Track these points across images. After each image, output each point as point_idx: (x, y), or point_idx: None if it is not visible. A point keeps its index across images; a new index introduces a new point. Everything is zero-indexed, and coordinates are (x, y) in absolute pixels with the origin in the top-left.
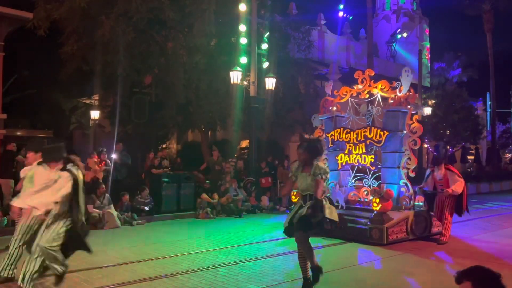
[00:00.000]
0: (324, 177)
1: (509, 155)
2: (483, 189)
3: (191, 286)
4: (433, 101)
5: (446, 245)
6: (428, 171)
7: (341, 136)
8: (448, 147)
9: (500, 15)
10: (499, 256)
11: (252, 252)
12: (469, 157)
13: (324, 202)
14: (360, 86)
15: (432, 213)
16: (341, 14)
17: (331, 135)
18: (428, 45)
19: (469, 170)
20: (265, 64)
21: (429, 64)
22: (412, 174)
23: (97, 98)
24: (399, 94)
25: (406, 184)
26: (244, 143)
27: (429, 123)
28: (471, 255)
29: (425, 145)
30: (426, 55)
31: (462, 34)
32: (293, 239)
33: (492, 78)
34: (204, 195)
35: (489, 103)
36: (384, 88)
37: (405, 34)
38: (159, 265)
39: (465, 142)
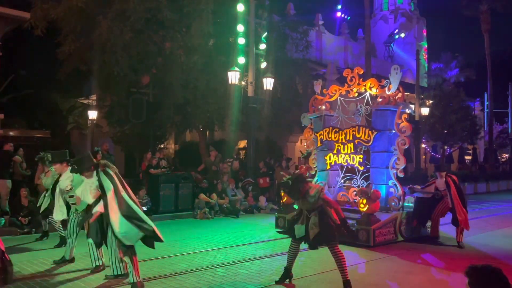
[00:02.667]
0: (321, 196)
1: (506, 155)
2: (480, 189)
3: (189, 286)
4: (431, 101)
5: (442, 245)
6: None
7: (329, 136)
8: (446, 147)
9: (497, 16)
10: (496, 256)
11: (250, 252)
12: (466, 157)
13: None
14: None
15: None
16: (339, 14)
17: (320, 135)
18: (426, 46)
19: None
20: (263, 64)
21: (426, 65)
22: (401, 174)
23: (94, 98)
24: (388, 93)
25: (395, 185)
26: (242, 143)
27: (427, 123)
28: (468, 255)
29: (423, 145)
30: (424, 56)
31: (460, 35)
32: (289, 238)
33: (489, 78)
34: (202, 195)
35: (486, 103)
36: (373, 87)
37: (402, 35)
38: (157, 265)
39: (462, 142)
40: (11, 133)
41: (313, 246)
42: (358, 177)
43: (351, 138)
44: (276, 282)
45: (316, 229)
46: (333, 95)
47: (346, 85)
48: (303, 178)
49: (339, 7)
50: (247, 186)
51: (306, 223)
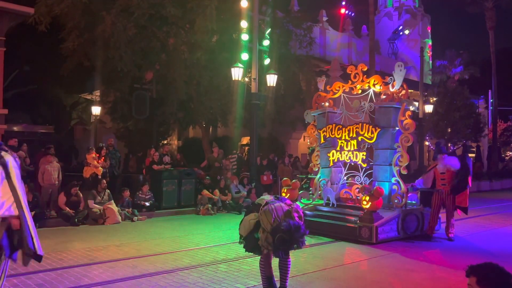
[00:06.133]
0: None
1: (510, 153)
2: (483, 187)
3: (192, 282)
4: (435, 99)
5: (446, 243)
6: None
7: (333, 133)
8: (449, 144)
9: (503, 13)
10: (499, 254)
11: None
12: (470, 154)
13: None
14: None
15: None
16: (342, 11)
17: (323, 132)
18: (430, 43)
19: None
20: (267, 61)
21: (430, 62)
22: (404, 172)
23: (98, 93)
24: (391, 90)
25: (398, 182)
26: (245, 140)
27: (431, 121)
28: (471, 253)
29: (426, 143)
30: (428, 53)
31: (464, 32)
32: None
33: (494, 76)
34: (205, 191)
35: (490, 100)
36: (376, 83)
37: (407, 32)
38: (159, 260)
39: (466, 139)
40: (15, 128)
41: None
42: (361, 174)
43: (354, 135)
44: None
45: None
46: (336, 92)
47: (350, 82)
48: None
49: (343, 3)
50: (246, 180)
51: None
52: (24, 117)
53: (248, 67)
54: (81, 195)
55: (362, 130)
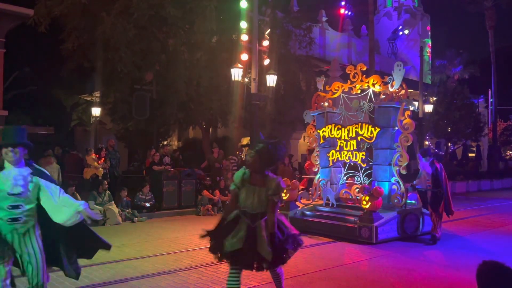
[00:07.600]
0: (280, 198)
1: (510, 152)
2: (484, 186)
3: (192, 282)
4: (435, 98)
5: (447, 242)
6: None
7: (332, 133)
8: (450, 144)
9: (502, 12)
10: (499, 253)
11: None
12: (470, 154)
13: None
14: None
15: (426, 210)
16: (342, 11)
17: (323, 132)
18: (430, 42)
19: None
20: (266, 61)
21: (430, 61)
22: (404, 171)
23: (98, 94)
24: (390, 89)
25: (398, 182)
26: (245, 140)
27: (431, 120)
28: (471, 253)
29: (426, 142)
30: (428, 52)
31: (464, 31)
32: None
33: (493, 75)
34: (205, 192)
35: (490, 100)
36: (376, 83)
37: (406, 31)
38: (160, 261)
39: (466, 139)
40: None
41: (261, 268)
42: (361, 174)
43: (353, 135)
44: None
45: (268, 249)
46: (336, 91)
47: (349, 81)
48: (280, 150)
49: (343, 3)
50: None
51: (247, 235)
52: (24, 118)
53: (248, 67)
54: (77, 195)
55: (361, 130)
